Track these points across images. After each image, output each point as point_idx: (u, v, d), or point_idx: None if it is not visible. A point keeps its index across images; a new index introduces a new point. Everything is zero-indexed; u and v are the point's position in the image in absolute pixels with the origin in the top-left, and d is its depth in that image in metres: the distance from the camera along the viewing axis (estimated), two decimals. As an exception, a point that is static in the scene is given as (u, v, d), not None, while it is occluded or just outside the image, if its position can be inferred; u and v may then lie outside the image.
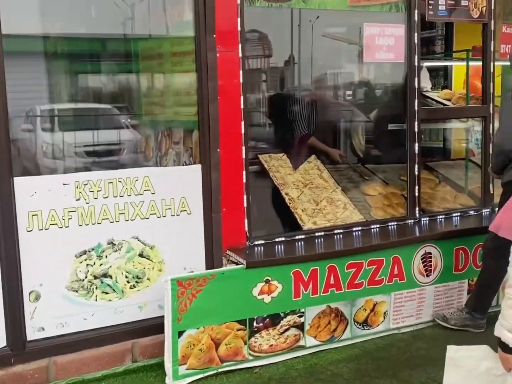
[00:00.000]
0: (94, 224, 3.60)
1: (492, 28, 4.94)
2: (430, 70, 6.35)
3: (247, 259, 3.77)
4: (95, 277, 3.65)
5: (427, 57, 6.38)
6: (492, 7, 4.89)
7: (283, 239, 4.20)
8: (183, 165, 4.23)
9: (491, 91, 4.98)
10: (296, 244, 4.20)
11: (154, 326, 3.69)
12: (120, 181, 3.65)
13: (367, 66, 6.27)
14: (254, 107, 6.17)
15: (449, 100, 5.71)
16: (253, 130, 5.74)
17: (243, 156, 3.98)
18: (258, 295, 3.78)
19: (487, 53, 4.96)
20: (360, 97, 6.39)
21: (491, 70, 4.97)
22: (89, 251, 3.61)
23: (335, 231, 4.38)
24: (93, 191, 3.57)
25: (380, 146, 5.68)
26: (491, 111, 4.98)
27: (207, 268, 3.91)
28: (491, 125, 4.98)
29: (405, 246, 4.28)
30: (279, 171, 4.83)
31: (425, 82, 6.21)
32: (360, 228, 4.47)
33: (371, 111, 5.91)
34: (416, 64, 4.56)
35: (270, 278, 3.80)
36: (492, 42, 4.97)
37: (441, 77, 6.50)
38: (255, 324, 3.80)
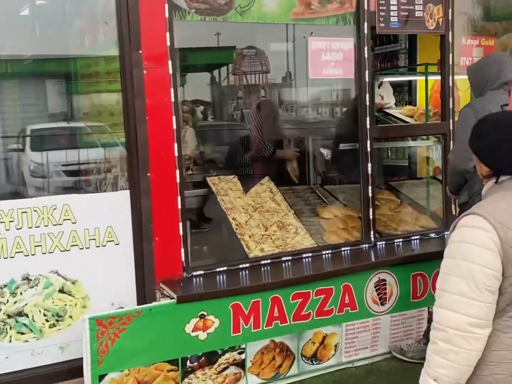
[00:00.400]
0: (6, 258, 3.29)
1: (451, 40, 4.69)
2: (394, 85, 6.11)
3: (178, 293, 3.47)
4: (9, 316, 3.33)
5: (390, 72, 6.13)
6: (450, 18, 4.64)
7: (225, 268, 3.89)
8: (121, 189, 3.93)
9: (451, 106, 4.71)
10: (240, 273, 3.90)
11: (78, 368, 3.35)
12: (35, 210, 3.34)
13: (321, 83, 6.02)
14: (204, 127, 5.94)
15: (412, 116, 5.46)
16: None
17: (178, 180, 3.70)
18: (192, 331, 3.47)
19: (445, 66, 4.69)
20: (314, 116, 6.14)
21: (450, 84, 4.70)
22: (1, 288, 3.30)
23: (283, 258, 4.08)
24: (4, 222, 3.27)
25: (339, 166, 5.41)
26: (451, 128, 4.69)
27: (138, 303, 3.60)
28: (451, 142, 4.70)
29: (356, 273, 3.98)
30: (228, 195, 4.54)
31: (389, 98, 5.97)
32: (310, 254, 4.16)
33: (327, 131, 5.67)
34: (367, 80, 4.30)
35: (205, 313, 3.50)
36: (451, 54, 4.71)
37: (406, 93, 6.24)
38: (188, 363, 3.49)
